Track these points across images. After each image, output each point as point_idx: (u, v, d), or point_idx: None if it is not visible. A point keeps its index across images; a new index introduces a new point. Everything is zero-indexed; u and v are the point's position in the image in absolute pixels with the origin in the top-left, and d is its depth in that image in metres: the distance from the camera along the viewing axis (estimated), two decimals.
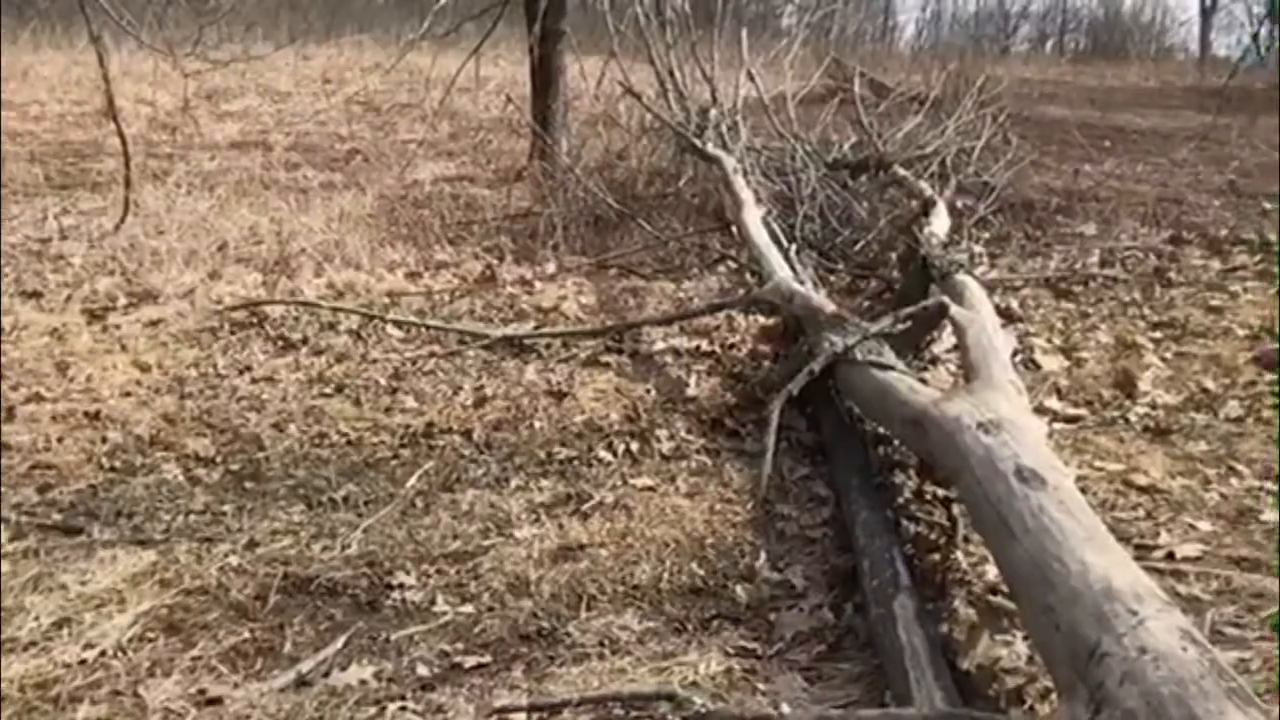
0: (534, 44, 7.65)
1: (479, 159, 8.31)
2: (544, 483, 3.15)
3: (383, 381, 4.04)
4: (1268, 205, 6.55)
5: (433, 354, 4.31)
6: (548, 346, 4.34)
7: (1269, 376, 3.84)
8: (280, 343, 4.52)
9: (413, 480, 3.18)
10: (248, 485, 3.20)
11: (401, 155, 8.30)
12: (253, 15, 14.19)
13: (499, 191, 7.27)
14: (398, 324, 4.64)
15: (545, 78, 7.89)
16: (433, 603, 2.51)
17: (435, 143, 8.80)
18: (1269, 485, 2.99)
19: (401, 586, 2.58)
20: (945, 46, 17.25)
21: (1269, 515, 2.80)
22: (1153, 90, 13.79)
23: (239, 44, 11.12)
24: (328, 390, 3.98)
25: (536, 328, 4.59)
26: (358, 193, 7.19)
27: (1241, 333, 4.30)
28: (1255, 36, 13.35)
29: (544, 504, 3.00)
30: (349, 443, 3.51)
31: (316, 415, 3.73)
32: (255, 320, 4.76)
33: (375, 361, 4.27)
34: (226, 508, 3.04)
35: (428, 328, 4.59)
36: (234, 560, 2.71)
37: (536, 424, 3.59)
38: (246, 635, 2.38)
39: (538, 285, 5.29)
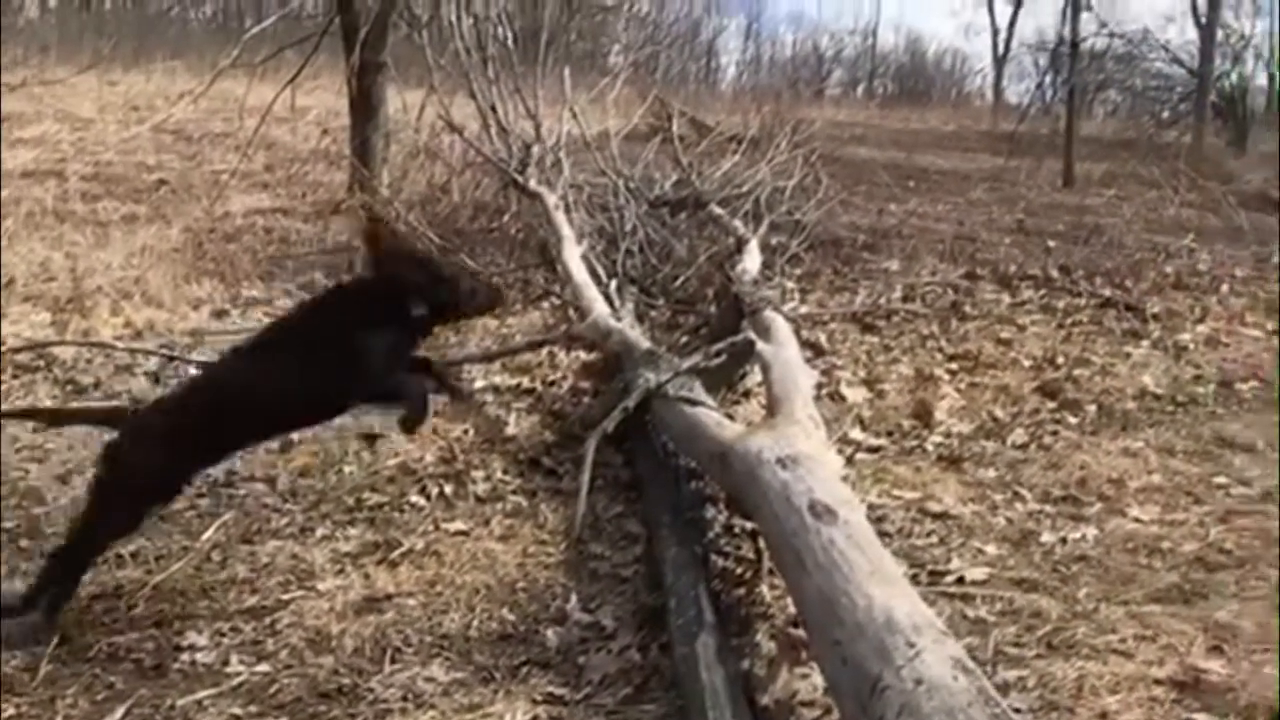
0: (351, 75, 7.51)
1: (295, 191, 8.07)
2: (351, 531, 3.04)
3: None
4: (1051, 243, 7.07)
5: None
6: None
7: (1051, 405, 4.12)
8: (69, 387, 4.25)
9: (209, 533, 3.02)
10: (24, 544, 2.96)
11: (212, 186, 7.97)
12: (49, 37, 13.40)
13: (315, 225, 7.08)
14: (200, 365, 4.41)
15: (365, 109, 7.75)
16: (226, 663, 2.38)
17: (249, 174, 8.50)
18: (1048, 509, 3.20)
19: (192, 648, 2.43)
20: (764, 88, 17.90)
21: (1047, 537, 2.99)
22: (952, 134, 14.75)
23: (33, 67, 10.47)
24: None
25: None
26: (163, 226, 6.86)
27: (1027, 363, 4.60)
28: (1040, 85, 14.51)
29: (350, 553, 2.89)
30: None
31: None
32: (42, 363, 4.45)
33: None
34: None
35: None
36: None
37: (346, 469, 3.48)
38: (11, 712, 2.19)
39: None
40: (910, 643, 1.65)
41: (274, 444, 3.66)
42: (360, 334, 2.58)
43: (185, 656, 2.41)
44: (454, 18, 7.48)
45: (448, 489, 3.30)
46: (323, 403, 2.71)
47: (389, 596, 2.65)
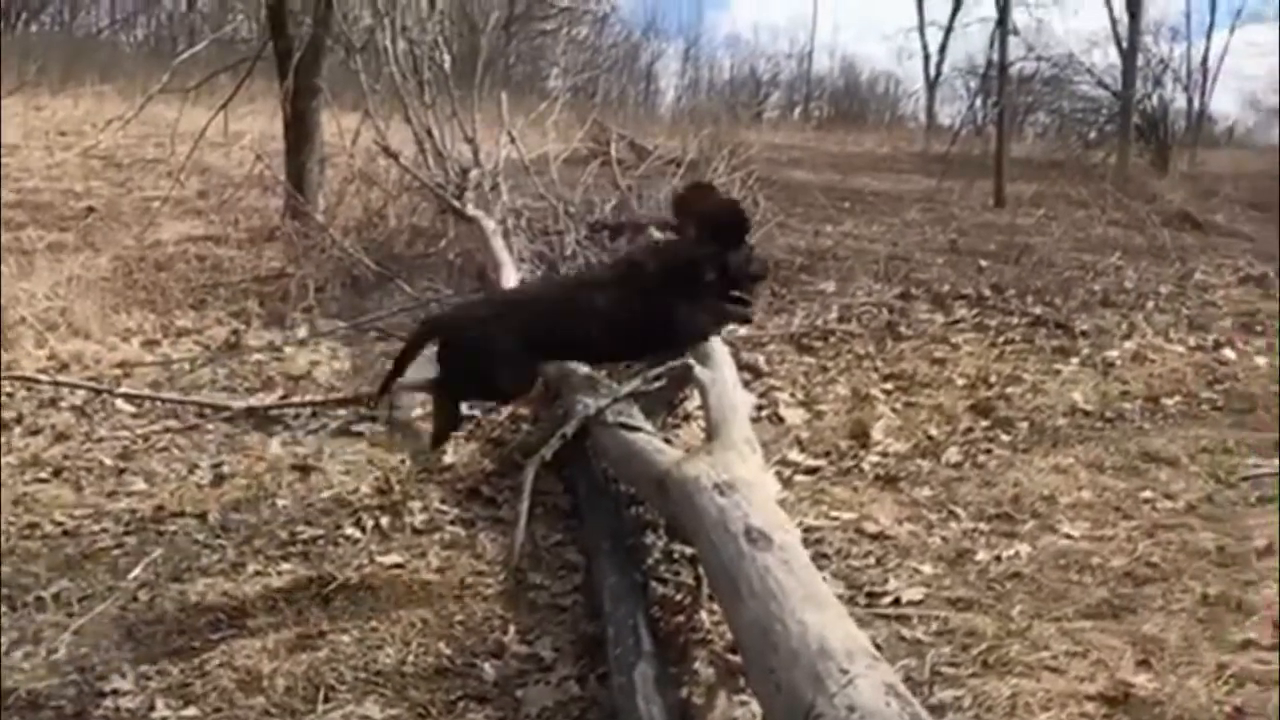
0: (285, 99, 7.42)
1: (229, 218, 7.92)
2: (285, 566, 2.98)
3: (108, 462, 3.74)
4: (983, 263, 7.21)
5: (167, 429, 4.04)
6: (296, 417, 4.16)
7: (984, 423, 4.19)
8: None
9: (136, 571, 2.94)
10: None
11: (143, 214, 7.81)
12: None
13: (249, 252, 6.97)
14: (129, 398, 4.32)
15: (300, 134, 7.66)
16: (151, 708, 2.31)
17: (182, 200, 8.34)
18: (982, 527, 3.24)
19: (115, 693, 2.36)
20: (702, 111, 18.08)
21: (982, 555, 3.03)
22: (886, 155, 15.01)
23: None
24: (44, 474, 3.65)
25: (283, 397, 4.39)
26: (91, 254, 6.70)
27: (961, 382, 4.67)
28: (970, 108, 14.86)
29: (283, 589, 2.83)
30: (65, 533, 3.21)
31: (28, 504, 3.40)
32: None
33: (101, 440, 3.96)
34: None
35: (163, 401, 4.30)
36: None
37: (279, 502, 3.41)
38: None
39: (288, 351, 5.08)
40: (843, 669, 1.66)
41: (206, 477, 3.63)
42: (664, 294, 3.00)
43: (108, 702, 2.33)
44: (389, 42, 7.45)
45: (383, 521, 3.25)
46: (626, 344, 3.19)
47: (322, 633, 2.59)
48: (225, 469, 3.66)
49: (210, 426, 4.06)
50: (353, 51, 7.98)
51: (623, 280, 3.05)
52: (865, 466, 3.75)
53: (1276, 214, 9.29)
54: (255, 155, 7.86)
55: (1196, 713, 2.19)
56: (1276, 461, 3.70)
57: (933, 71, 23.81)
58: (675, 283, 3.00)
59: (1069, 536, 3.16)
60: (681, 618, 2.61)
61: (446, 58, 8.06)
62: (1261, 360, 5.15)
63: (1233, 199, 11.07)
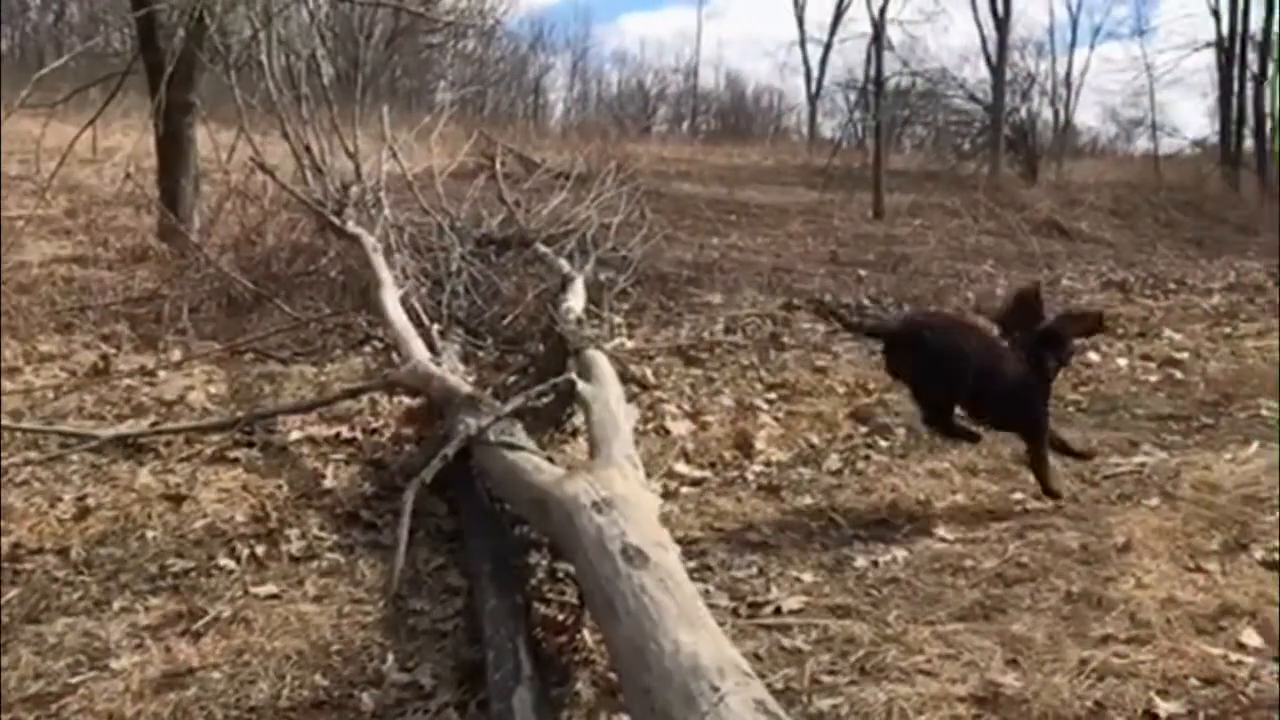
0: (157, 114, 7.17)
1: (98, 237, 7.60)
2: (153, 601, 2.86)
3: None
4: (862, 272, 7.41)
5: (28, 461, 3.85)
6: (168, 445, 4.00)
7: (863, 430, 4.29)
8: None
9: None
10: None
11: (6, 234, 7.42)
12: None
13: (120, 272, 6.71)
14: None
15: (173, 150, 7.42)
16: None
17: (48, 219, 7.98)
18: (861, 533, 3.31)
19: None
20: (591, 125, 18.14)
21: (860, 562, 3.09)
22: (771, 169, 15.30)
23: None
24: None
25: (154, 424, 4.22)
26: None
27: (841, 390, 4.78)
28: (850, 121, 15.30)
29: (150, 626, 2.72)
30: None
31: None
32: None
33: None
34: None
35: (23, 431, 4.09)
36: None
37: (149, 534, 3.27)
38: None
39: (161, 375, 4.89)
40: (714, 687, 1.67)
41: (69, 510, 3.46)
42: (1027, 378, 3.44)
43: None
44: (265, 56, 7.26)
45: (259, 550, 3.16)
46: (996, 410, 3.53)
47: (191, 670, 2.50)
48: (90, 501, 3.49)
49: (74, 457, 3.87)
50: (228, 66, 7.76)
51: (1006, 358, 3.47)
52: (749, 476, 3.80)
53: (1134, 221, 9.81)
54: (126, 173, 7.56)
55: (1060, 709, 2.27)
56: (1135, 460, 3.89)
57: (814, 86, 24.43)
58: (1034, 370, 3.46)
59: (944, 540, 3.25)
60: (564, 639, 2.60)
61: (329, 70, 7.92)
62: (1123, 362, 5.41)
63: (1096, 207, 11.61)
